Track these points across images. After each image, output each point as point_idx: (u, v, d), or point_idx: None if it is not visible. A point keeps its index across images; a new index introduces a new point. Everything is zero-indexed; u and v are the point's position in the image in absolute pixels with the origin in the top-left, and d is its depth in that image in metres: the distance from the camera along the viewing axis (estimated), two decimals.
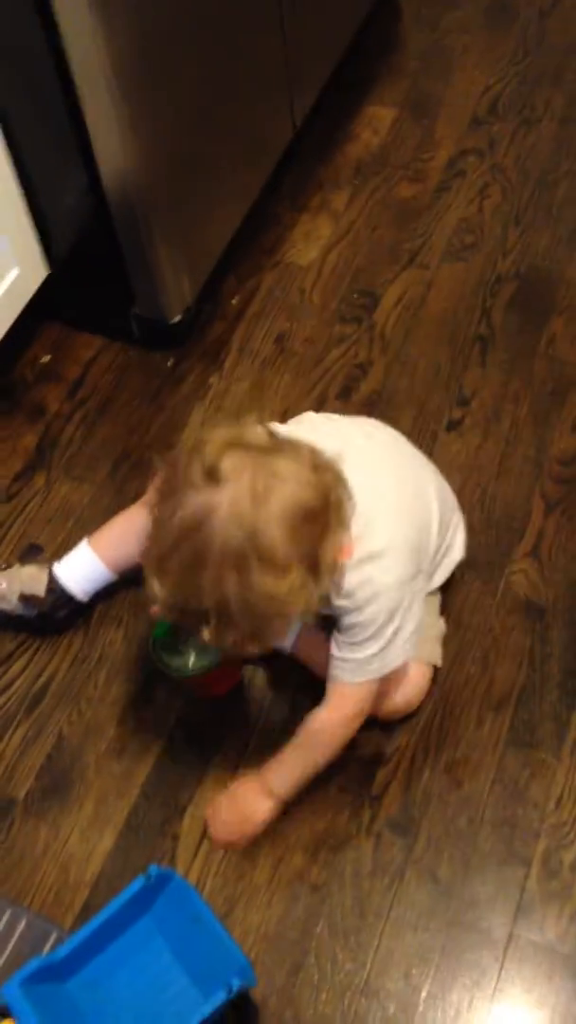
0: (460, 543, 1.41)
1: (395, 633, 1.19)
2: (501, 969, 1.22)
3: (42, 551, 1.53)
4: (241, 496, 0.99)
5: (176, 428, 1.70)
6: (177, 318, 1.76)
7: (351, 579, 1.15)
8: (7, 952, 1.27)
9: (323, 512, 1.03)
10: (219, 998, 1.09)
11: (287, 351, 1.78)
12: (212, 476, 0.99)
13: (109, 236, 1.62)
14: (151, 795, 1.36)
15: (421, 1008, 1.21)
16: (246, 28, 1.69)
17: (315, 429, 1.29)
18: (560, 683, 1.41)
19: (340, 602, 1.17)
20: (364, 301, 1.84)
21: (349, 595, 1.16)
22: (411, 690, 1.34)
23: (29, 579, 1.46)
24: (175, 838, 1.33)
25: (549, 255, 1.88)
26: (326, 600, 1.13)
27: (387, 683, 1.28)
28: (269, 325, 1.82)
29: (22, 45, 1.40)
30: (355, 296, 1.85)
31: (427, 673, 1.37)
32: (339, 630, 1.21)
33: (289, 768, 1.28)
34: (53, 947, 1.23)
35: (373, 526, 1.15)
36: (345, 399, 1.72)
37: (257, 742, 1.39)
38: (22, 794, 1.38)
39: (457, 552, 1.40)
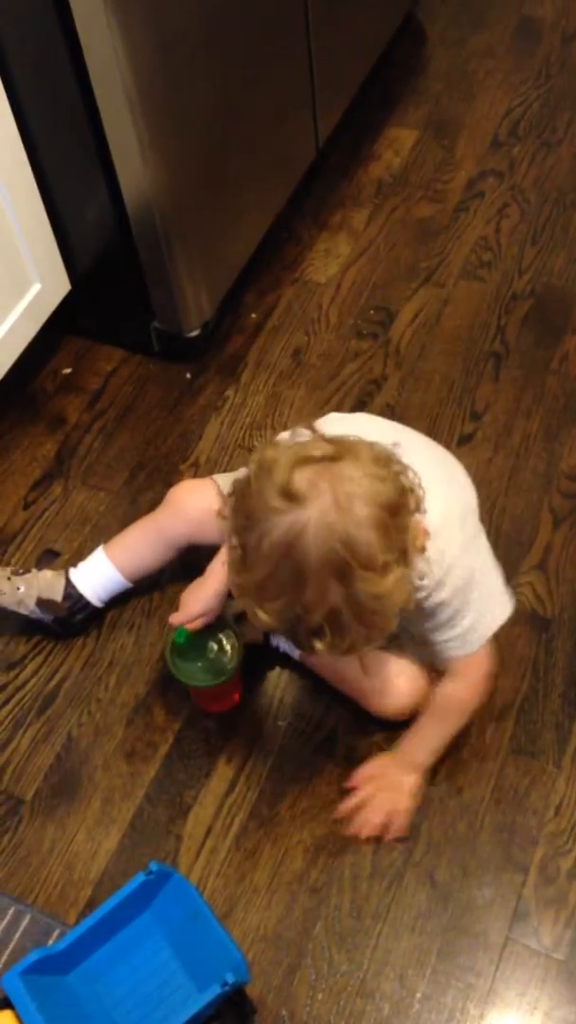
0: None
1: (481, 596, 1.22)
2: (496, 973, 1.23)
3: (58, 556, 1.57)
4: (326, 508, 0.99)
5: (192, 439, 1.74)
6: (196, 332, 1.79)
7: (420, 563, 1.14)
8: (10, 947, 1.29)
9: (401, 502, 1.04)
10: (213, 991, 1.10)
11: (303, 365, 1.81)
12: (291, 496, 1.00)
13: (130, 251, 1.66)
14: (156, 796, 1.39)
15: (416, 1009, 1.22)
16: (272, 47, 1.73)
17: (355, 425, 1.27)
18: (563, 693, 1.42)
19: (417, 589, 1.17)
20: (380, 317, 1.87)
21: (423, 577, 1.16)
22: (409, 689, 1.35)
23: (47, 584, 1.49)
24: (179, 838, 1.35)
25: (565, 274, 1.90)
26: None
27: (384, 683, 1.30)
28: (286, 340, 1.85)
29: (45, 63, 1.44)
30: (372, 312, 1.88)
31: (424, 673, 1.37)
32: (426, 618, 1.22)
33: (428, 740, 1.32)
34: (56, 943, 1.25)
35: (425, 503, 1.14)
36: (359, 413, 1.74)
37: (262, 745, 1.41)
38: (30, 793, 1.41)
39: None
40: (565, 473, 1.64)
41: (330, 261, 1.96)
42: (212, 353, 1.84)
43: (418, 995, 1.23)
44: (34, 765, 1.43)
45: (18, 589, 1.49)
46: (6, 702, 1.49)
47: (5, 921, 1.31)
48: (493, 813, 1.33)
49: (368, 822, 1.32)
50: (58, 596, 1.48)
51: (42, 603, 1.48)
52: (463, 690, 1.30)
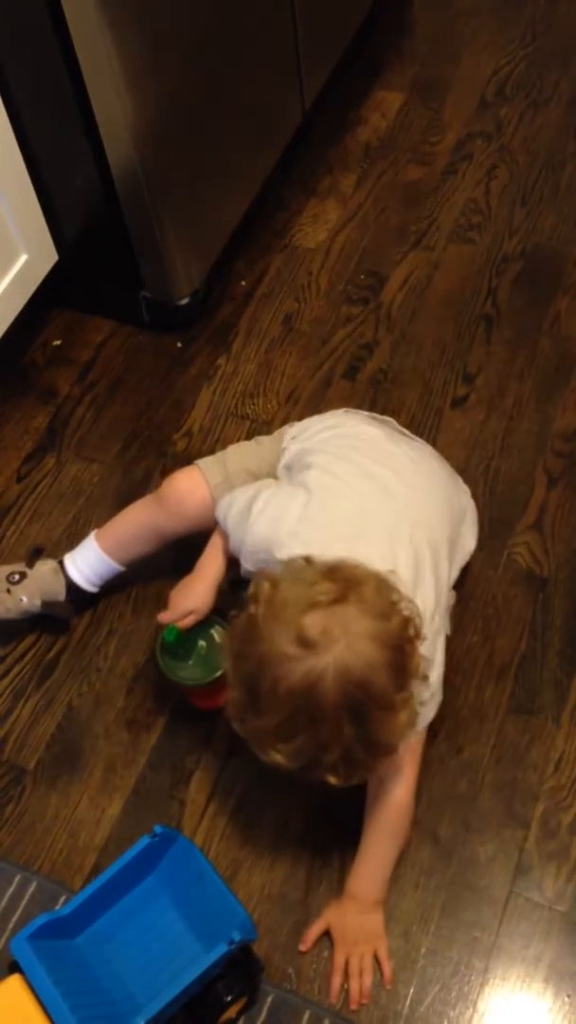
0: (472, 535, 1.39)
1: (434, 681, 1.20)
2: (500, 926, 1.24)
3: (43, 551, 1.51)
4: (341, 654, 1.02)
5: (185, 409, 1.73)
6: (185, 300, 1.79)
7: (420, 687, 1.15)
8: (17, 914, 1.30)
9: (406, 635, 1.07)
10: (220, 950, 1.11)
11: (294, 332, 1.81)
12: (305, 644, 1.02)
13: (117, 219, 1.65)
14: (158, 762, 1.39)
15: (421, 964, 1.23)
16: (256, 10, 1.72)
17: (342, 487, 1.27)
18: (560, 651, 1.43)
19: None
20: (371, 282, 1.86)
21: (423, 702, 1.16)
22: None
23: (47, 587, 1.46)
24: (182, 803, 1.36)
25: (555, 235, 1.89)
26: None
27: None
28: (277, 307, 1.85)
29: (28, 31, 1.43)
30: (362, 277, 1.87)
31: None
32: None
33: (382, 868, 1.25)
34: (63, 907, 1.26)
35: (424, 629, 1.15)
36: (351, 378, 1.74)
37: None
38: (33, 763, 1.41)
39: (470, 542, 1.38)
40: (559, 433, 1.64)
41: (319, 227, 1.95)
42: (202, 322, 1.83)
43: (423, 950, 1.24)
44: (35, 735, 1.43)
45: (21, 600, 1.45)
46: (6, 673, 1.49)
47: (12, 888, 1.32)
48: (494, 770, 1.34)
49: (364, 988, 1.22)
50: (61, 596, 1.46)
51: (48, 606, 1.46)
52: (408, 796, 1.23)
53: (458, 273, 1.86)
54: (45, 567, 1.47)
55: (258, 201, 1.91)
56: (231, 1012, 1.18)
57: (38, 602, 1.46)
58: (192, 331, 1.82)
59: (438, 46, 2.21)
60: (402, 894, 1.27)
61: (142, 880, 1.23)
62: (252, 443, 1.44)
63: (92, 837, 1.35)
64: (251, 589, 1.10)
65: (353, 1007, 1.21)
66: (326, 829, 1.32)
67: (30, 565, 1.48)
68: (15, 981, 1.12)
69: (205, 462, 1.41)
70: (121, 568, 1.48)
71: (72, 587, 1.47)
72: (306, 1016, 1.21)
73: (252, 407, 1.72)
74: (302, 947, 1.25)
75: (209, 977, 1.14)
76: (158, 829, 1.21)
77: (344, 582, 1.06)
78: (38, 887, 1.32)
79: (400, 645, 1.06)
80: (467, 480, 1.46)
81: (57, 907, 1.27)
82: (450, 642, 1.43)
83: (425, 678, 1.11)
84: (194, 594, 1.34)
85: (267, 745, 1.07)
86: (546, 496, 1.58)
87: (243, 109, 1.77)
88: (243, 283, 1.88)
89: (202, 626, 1.35)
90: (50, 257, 1.71)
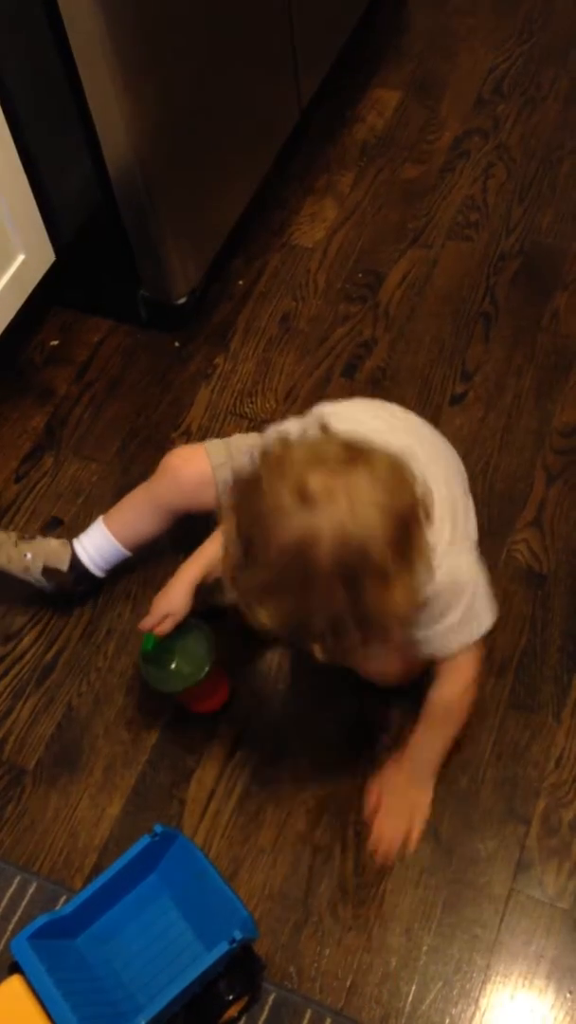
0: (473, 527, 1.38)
1: (472, 596, 1.19)
2: (501, 923, 1.24)
3: (62, 523, 1.58)
4: (341, 516, 0.97)
5: (183, 408, 1.73)
6: (183, 299, 1.78)
7: (424, 574, 1.12)
8: (17, 915, 1.30)
9: (413, 513, 1.03)
10: (222, 949, 1.11)
11: (292, 330, 1.81)
12: (305, 498, 0.97)
13: (114, 219, 1.65)
14: (158, 762, 1.39)
15: (423, 961, 1.23)
16: (252, 9, 1.72)
17: (353, 416, 1.27)
18: (560, 647, 1.43)
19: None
20: (369, 280, 1.86)
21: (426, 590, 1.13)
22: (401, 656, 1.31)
23: (53, 553, 1.48)
24: (182, 802, 1.36)
25: (553, 232, 1.89)
26: None
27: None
28: (275, 305, 1.84)
29: (24, 29, 1.43)
30: (360, 275, 1.87)
31: None
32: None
33: (430, 750, 1.30)
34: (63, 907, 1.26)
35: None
36: (350, 376, 1.74)
37: (263, 707, 1.41)
38: (32, 763, 1.41)
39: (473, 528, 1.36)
40: (557, 430, 1.64)
41: (316, 225, 1.94)
42: (200, 321, 1.83)
43: (424, 948, 1.24)
44: (35, 735, 1.43)
45: (25, 556, 1.48)
46: (5, 673, 1.49)
47: (11, 889, 1.32)
48: (494, 767, 1.34)
49: (389, 855, 1.29)
50: (64, 566, 1.47)
51: (48, 572, 1.47)
52: (456, 693, 1.26)
53: (456, 271, 1.86)
54: (56, 540, 1.49)
55: (256, 200, 1.91)
56: (232, 1011, 1.18)
57: (40, 564, 1.47)
58: (190, 330, 1.82)
59: (435, 43, 2.21)
60: (403, 892, 1.27)
61: (143, 880, 1.23)
62: (255, 434, 1.44)
63: (92, 837, 1.35)
64: (260, 447, 1.06)
65: (378, 861, 1.28)
66: (327, 827, 1.32)
67: (43, 534, 1.52)
68: (16, 981, 1.12)
69: (210, 442, 1.42)
70: (127, 553, 1.49)
71: (76, 562, 1.47)
72: (307, 1015, 1.21)
73: (250, 406, 1.72)
74: (366, 814, 1.30)
75: (210, 976, 1.14)
76: (158, 828, 1.20)
77: (358, 451, 1.02)
78: (38, 887, 1.32)
79: (406, 522, 1.01)
80: None
81: (57, 907, 1.27)
82: None
83: (429, 564, 1.06)
84: (169, 596, 1.33)
85: (254, 601, 1.02)
86: (545, 493, 1.58)
87: (240, 108, 1.77)
88: (241, 282, 1.88)
89: (181, 631, 1.34)
90: (47, 257, 1.71)
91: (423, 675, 1.37)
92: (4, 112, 1.51)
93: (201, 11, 1.57)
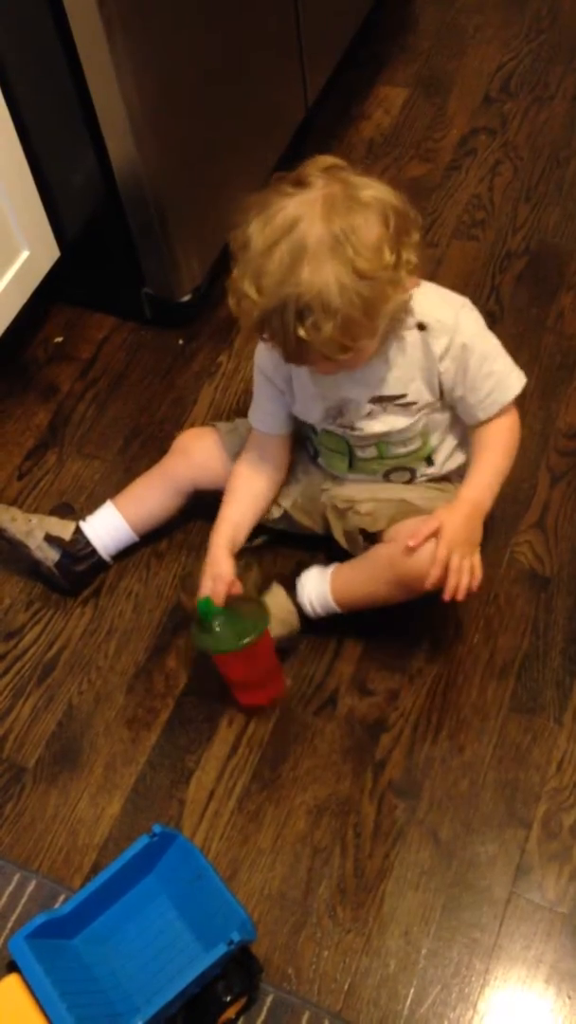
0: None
1: (498, 350, 1.30)
2: (501, 928, 1.24)
3: (72, 511, 1.59)
4: (335, 192, 1.08)
5: (186, 406, 1.73)
6: (187, 297, 1.78)
7: (434, 312, 1.24)
8: (16, 913, 1.30)
9: (405, 215, 1.12)
10: (220, 950, 1.11)
11: None
12: (302, 182, 1.09)
13: (119, 216, 1.65)
14: (158, 761, 1.39)
15: (422, 965, 1.22)
16: (259, 6, 1.71)
17: None
18: (563, 650, 1.42)
19: (439, 344, 1.25)
20: None
21: (444, 329, 1.24)
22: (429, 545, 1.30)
23: (56, 524, 1.50)
24: (181, 802, 1.35)
25: (559, 231, 1.88)
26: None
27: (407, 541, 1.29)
28: None
29: (29, 27, 1.43)
30: None
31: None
32: (461, 383, 1.28)
33: (482, 485, 1.33)
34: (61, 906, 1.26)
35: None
36: None
37: (263, 708, 1.41)
38: (32, 761, 1.41)
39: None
40: (562, 431, 1.63)
41: None
42: (204, 319, 1.82)
43: (423, 951, 1.23)
44: (35, 733, 1.43)
45: (29, 520, 1.50)
46: (6, 671, 1.48)
47: (10, 887, 1.31)
48: (495, 770, 1.34)
49: (462, 584, 1.28)
50: (67, 535, 1.49)
51: (50, 538, 1.48)
52: (507, 424, 1.33)
53: (461, 269, 1.85)
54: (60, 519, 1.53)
55: None
56: (230, 1012, 1.18)
57: (42, 534, 1.48)
58: (194, 328, 1.81)
59: (442, 41, 2.20)
60: (402, 895, 1.27)
61: (141, 880, 1.22)
62: None
63: (91, 836, 1.34)
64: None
65: (447, 598, 1.27)
66: (326, 828, 1.32)
67: (51, 512, 1.58)
68: (13, 980, 1.12)
69: (221, 423, 1.50)
70: (135, 536, 1.52)
71: (80, 538, 1.49)
72: (305, 1017, 1.20)
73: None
74: (411, 543, 1.28)
75: (208, 977, 1.14)
76: (157, 828, 1.20)
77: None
78: (37, 886, 1.31)
79: (395, 211, 1.11)
80: None
81: (56, 906, 1.27)
82: (451, 642, 1.44)
83: (413, 276, 1.16)
84: (209, 561, 1.37)
85: (248, 282, 1.12)
86: (549, 494, 1.57)
87: (246, 104, 1.76)
88: None
89: (236, 602, 1.35)
90: (52, 253, 1.70)
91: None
92: (9, 108, 1.51)
93: (208, 8, 1.57)
